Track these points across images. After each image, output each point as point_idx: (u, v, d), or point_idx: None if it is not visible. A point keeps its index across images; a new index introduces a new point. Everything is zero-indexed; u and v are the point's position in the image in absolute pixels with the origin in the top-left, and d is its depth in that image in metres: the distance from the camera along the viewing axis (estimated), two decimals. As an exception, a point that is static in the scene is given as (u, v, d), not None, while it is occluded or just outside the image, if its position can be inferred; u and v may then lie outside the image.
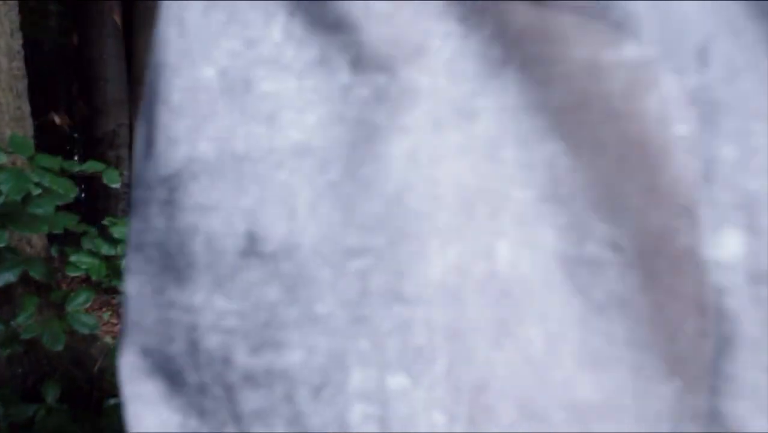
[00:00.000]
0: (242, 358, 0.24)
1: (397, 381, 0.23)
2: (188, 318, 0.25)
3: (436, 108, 0.24)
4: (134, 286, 0.27)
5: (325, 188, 0.25)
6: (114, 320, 3.89)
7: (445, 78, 0.24)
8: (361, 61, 0.25)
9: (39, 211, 1.44)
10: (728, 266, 0.23)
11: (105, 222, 1.68)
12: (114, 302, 4.20)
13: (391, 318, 0.24)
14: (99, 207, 4.81)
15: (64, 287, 1.99)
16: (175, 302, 0.26)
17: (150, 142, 0.27)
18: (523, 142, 0.24)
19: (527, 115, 0.24)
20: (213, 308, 0.25)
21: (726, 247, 0.23)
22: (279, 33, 0.26)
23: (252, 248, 0.25)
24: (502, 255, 0.24)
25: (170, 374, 0.26)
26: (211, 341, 0.25)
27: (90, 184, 5.16)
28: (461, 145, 0.24)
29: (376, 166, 0.24)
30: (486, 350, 0.23)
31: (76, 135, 7.20)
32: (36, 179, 1.47)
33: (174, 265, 0.26)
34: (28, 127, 2.06)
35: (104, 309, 4.07)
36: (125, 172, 5.22)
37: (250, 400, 0.24)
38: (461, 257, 0.24)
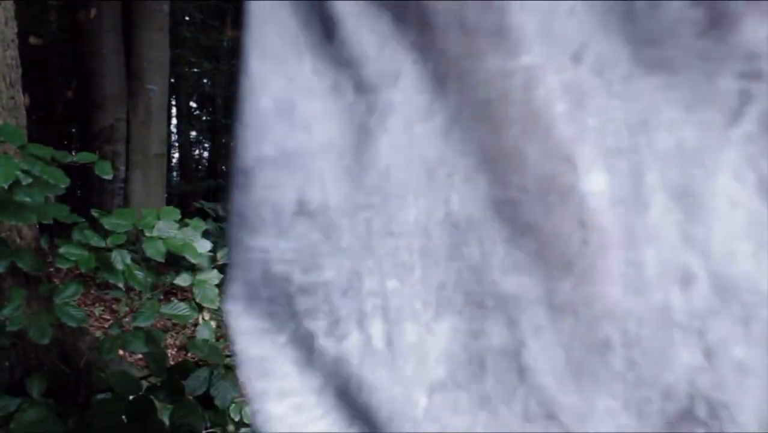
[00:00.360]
0: (297, 277, 0.38)
1: (392, 284, 0.37)
2: (262, 256, 0.39)
3: (407, 114, 0.37)
4: (230, 239, 0.41)
5: (342, 169, 0.38)
6: (106, 316, 3.85)
7: (412, 93, 0.37)
8: (360, 86, 0.38)
9: (28, 200, 1.40)
10: (597, 195, 0.34)
11: (94, 213, 1.64)
12: (107, 297, 4.16)
13: (386, 246, 0.37)
14: (93, 202, 4.77)
15: (57, 282, 1.95)
16: (250, 247, 0.40)
17: (234, 149, 0.41)
18: (463, 127, 0.36)
19: (464, 109, 0.36)
20: (278, 248, 0.39)
21: (595, 183, 0.34)
22: (308, 69, 0.39)
23: (301, 209, 0.38)
24: (453, 202, 0.36)
25: (249, 294, 0.40)
26: (277, 269, 0.39)
27: (85, 179, 5.12)
28: (424, 135, 0.37)
29: (372, 153, 0.38)
30: (444, 262, 0.36)
31: (73, 130, 7.17)
32: (25, 167, 1.43)
33: (248, 223, 0.40)
34: (21, 117, 2.02)
35: (97, 304, 4.03)
36: (121, 168, 5.19)
37: (303, 303, 0.38)
38: (428, 205, 0.37)
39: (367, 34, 0.37)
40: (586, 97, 0.33)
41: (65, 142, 7.31)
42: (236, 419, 1.68)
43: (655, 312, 0.32)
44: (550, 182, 0.34)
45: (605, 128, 0.33)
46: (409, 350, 0.36)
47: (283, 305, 0.39)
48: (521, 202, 0.34)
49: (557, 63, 0.34)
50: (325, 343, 0.37)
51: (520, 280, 0.34)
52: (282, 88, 0.39)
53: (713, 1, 0.31)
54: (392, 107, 0.37)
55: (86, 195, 5.20)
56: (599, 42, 0.34)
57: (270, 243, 0.39)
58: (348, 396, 0.37)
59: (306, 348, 0.38)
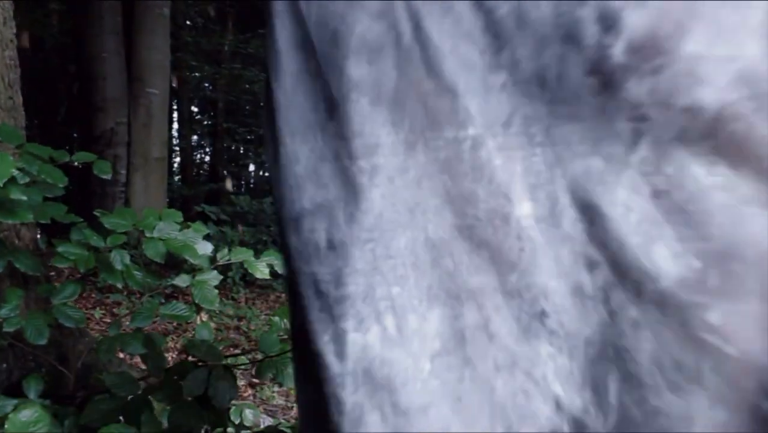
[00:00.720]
0: (332, 292, 0.53)
1: (395, 290, 0.52)
2: (312, 278, 0.54)
3: (389, 172, 0.52)
4: (289, 268, 0.58)
5: (349, 216, 0.53)
6: (107, 319, 3.83)
7: (390, 156, 0.52)
8: (351, 154, 0.52)
9: (24, 198, 1.39)
10: (526, 217, 0.49)
11: (97, 213, 1.62)
12: (107, 301, 4.14)
13: (388, 265, 0.52)
14: (94, 206, 4.75)
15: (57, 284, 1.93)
16: (305, 272, 0.55)
17: (281, 204, 0.57)
18: (430, 178, 0.51)
19: (429, 165, 0.51)
20: (320, 273, 0.54)
21: (524, 209, 0.49)
22: (320, 142, 0.54)
23: (329, 245, 0.53)
24: (430, 230, 0.51)
25: (312, 306, 0.55)
26: (322, 287, 0.54)
27: (86, 184, 5.11)
28: (403, 185, 0.52)
29: (367, 203, 0.52)
30: (429, 271, 0.51)
31: (75, 134, 7.15)
32: (22, 165, 1.42)
33: (301, 256, 0.55)
34: (19, 118, 2.01)
35: (97, 308, 4.01)
36: (122, 171, 5.18)
37: (337, 309, 0.53)
38: (412, 235, 0.52)
39: (353, 114, 0.52)
40: (514, 151, 0.49)
41: (66, 147, 7.29)
42: (236, 422, 1.66)
43: (572, 289, 0.48)
44: (495, 212, 0.50)
45: (529, 170, 0.49)
46: (413, 333, 0.51)
47: (327, 312, 0.53)
48: (476, 226, 0.50)
49: (493, 130, 0.50)
50: (354, 337, 0.52)
51: (481, 278, 0.50)
52: (308, 157, 0.54)
53: (601, 72, 0.46)
54: (377, 168, 0.52)
55: (87, 199, 5.18)
56: (525, 106, 0.49)
57: (316, 269, 0.54)
58: (371, 374, 0.51)
59: (340, 342, 0.52)
